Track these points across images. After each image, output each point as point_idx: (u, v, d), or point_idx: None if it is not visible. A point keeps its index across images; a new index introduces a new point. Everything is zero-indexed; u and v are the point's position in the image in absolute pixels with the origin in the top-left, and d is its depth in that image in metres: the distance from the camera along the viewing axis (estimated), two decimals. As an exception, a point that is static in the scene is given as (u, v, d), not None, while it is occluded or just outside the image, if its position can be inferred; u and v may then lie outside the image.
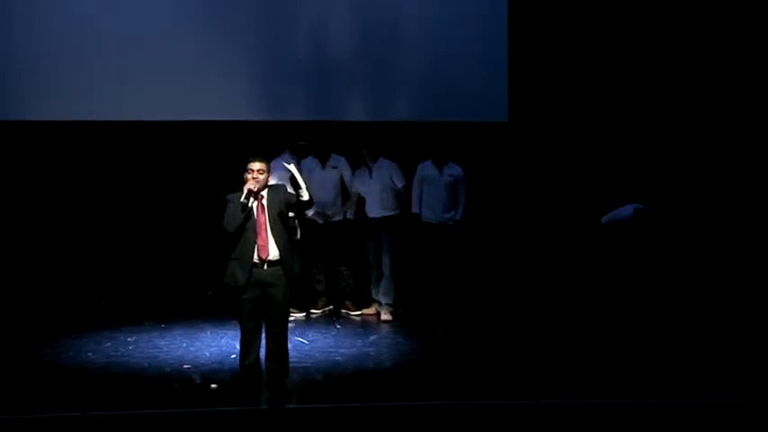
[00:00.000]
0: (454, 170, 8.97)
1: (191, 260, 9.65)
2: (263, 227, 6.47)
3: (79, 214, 9.67)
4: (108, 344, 7.88)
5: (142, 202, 9.68)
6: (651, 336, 8.13)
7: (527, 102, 9.88)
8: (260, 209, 6.49)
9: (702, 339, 8.06)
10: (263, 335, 6.62)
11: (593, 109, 9.95)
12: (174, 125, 9.53)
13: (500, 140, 9.89)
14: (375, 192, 8.96)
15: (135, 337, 8.11)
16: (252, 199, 6.45)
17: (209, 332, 8.26)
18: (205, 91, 9.50)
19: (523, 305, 9.24)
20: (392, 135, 9.67)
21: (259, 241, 6.44)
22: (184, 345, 7.86)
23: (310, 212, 8.75)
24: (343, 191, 9.09)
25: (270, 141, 9.17)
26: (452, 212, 8.91)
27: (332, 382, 7.04)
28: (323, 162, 9.00)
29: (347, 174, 9.07)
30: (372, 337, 8.14)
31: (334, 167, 9.03)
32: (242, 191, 6.45)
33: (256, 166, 6.47)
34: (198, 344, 7.86)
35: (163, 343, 8.03)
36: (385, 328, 8.44)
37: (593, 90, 9.98)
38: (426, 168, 8.95)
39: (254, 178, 6.43)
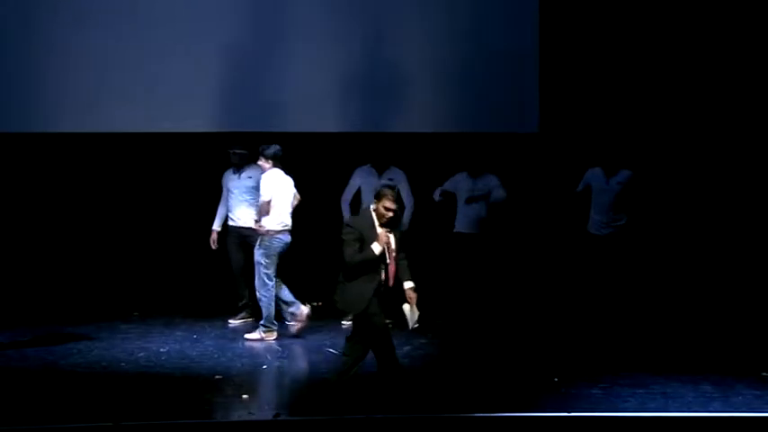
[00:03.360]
0: (489, 180, 8.97)
1: (223, 272, 9.54)
2: (392, 257, 6.51)
3: (108, 225, 9.76)
4: (140, 354, 7.89)
5: (178, 214, 9.76)
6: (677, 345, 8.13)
7: (557, 113, 9.87)
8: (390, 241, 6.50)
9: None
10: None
11: (624, 119, 9.89)
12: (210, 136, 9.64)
13: (530, 151, 9.86)
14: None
15: (167, 348, 8.11)
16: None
17: (240, 343, 8.25)
18: (237, 103, 9.61)
19: (556, 315, 9.18)
20: (422, 146, 9.73)
21: (390, 269, 6.52)
22: (216, 355, 7.84)
23: None
24: (399, 203, 9.02)
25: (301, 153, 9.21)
26: (480, 224, 8.91)
27: (363, 393, 6.91)
28: (379, 172, 8.98)
29: (404, 186, 8.99)
30: (406, 349, 8.02)
31: (390, 179, 8.93)
32: (366, 223, 6.44)
33: (392, 204, 6.43)
34: (229, 354, 7.85)
35: (194, 354, 8.03)
36: (418, 340, 8.33)
37: (623, 101, 9.93)
38: (461, 179, 8.97)
39: (390, 218, 6.39)
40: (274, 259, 8.35)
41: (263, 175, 8.48)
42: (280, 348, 7.99)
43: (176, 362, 7.75)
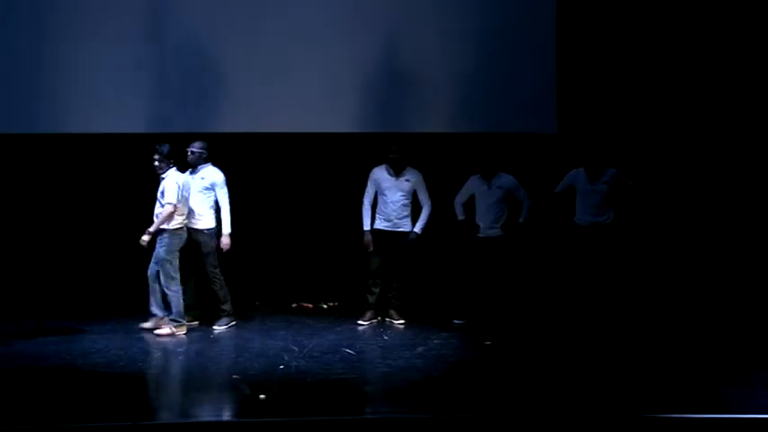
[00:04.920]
0: (503, 181, 8.96)
1: (238, 272, 9.62)
2: None
3: (125, 224, 9.55)
4: (158, 354, 7.92)
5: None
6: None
7: (576, 113, 9.88)
8: None
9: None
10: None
11: (642, 121, 9.90)
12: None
13: (549, 152, 9.87)
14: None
15: (184, 348, 8.14)
16: None
17: (257, 342, 8.26)
18: (258, 104, 9.61)
19: (574, 315, 9.13)
20: (439, 147, 9.74)
21: None
22: (233, 355, 7.88)
23: (382, 224, 8.97)
24: (415, 203, 9.07)
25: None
26: (502, 223, 8.92)
27: (379, 393, 7.07)
28: (397, 172, 8.98)
29: (421, 189, 9.01)
30: (420, 349, 8.09)
31: (407, 180, 8.99)
32: None
33: None
34: (246, 354, 7.85)
35: (212, 354, 8.07)
36: (433, 340, 8.39)
37: (641, 102, 9.93)
38: (474, 182, 8.98)
39: None
40: (176, 254, 8.47)
41: (167, 178, 8.53)
42: (296, 348, 8.00)
43: (193, 361, 7.78)
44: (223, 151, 9.35)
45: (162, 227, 8.42)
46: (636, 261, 9.49)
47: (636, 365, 7.63)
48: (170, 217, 8.40)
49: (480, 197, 8.95)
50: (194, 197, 8.69)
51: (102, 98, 9.49)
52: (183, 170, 8.72)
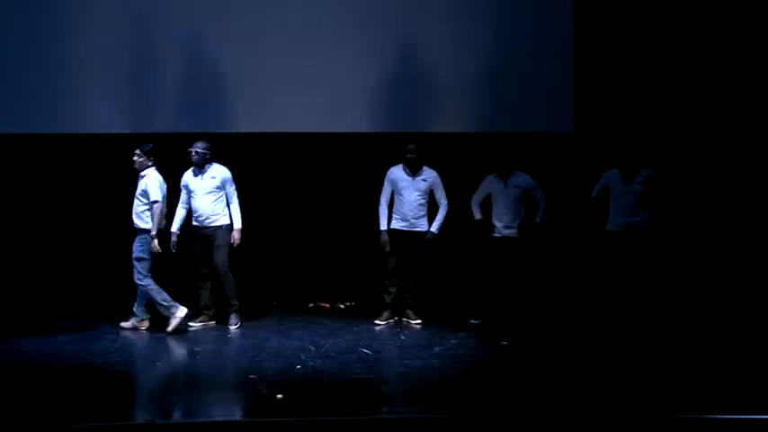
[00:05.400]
0: (520, 180, 8.96)
1: (256, 272, 9.73)
2: None
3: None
4: (175, 354, 7.96)
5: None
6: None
7: (592, 113, 9.87)
8: None
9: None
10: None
11: (660, 120, 9.88)
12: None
13: (565, 152, 9.88)
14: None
15: (201, 347, 8.16)
16: None
17: (274, 342, 8.27)
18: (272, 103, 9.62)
19: (589, 315, 9.16)
20: (455, 146, 9.75)
21: None
22: (250, 355, 7.86)
23: (398, 224, 8.99)
24: (431, 203, 9.07)
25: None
26: (517, 222, 8.91)
27: (396, 393, 7.04)
28: (414, 172, 8.99)
29: (438, 188, 9.02)
30: (437, 349, 8.08)
31: (424, 180, 9.00)
32: None
33: None
34: (263, 354, 7.85)
35: (229, 353, 8.10)
36: (450, 340, 8.39)
37: (658, 101, 9.90)
38: (491, 181, 8.99)
39: None
40: (151, 255, 8.54)
41: (148, 176, 8.57)
42: (313, 348, 8.01)
43: (211, 361, 7.80)
44: (242, 151, 9.43)
45: (142, 226, 8.50)
46: (667, 265, 9.40)
47: (656, 367, 7.59)
48: (161, 215, 8.50)
49: (497, 196, 8.96)
50: (205, 196, 8.73)
51: (107, 99, 9.56)
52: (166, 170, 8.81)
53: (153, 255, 8.51)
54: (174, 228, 8.79)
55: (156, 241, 8.46)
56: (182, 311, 8.48)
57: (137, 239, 8.54)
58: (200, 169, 8.78)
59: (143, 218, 8.52)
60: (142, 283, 8.51)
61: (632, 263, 8.76)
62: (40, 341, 8.23)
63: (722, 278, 9.67)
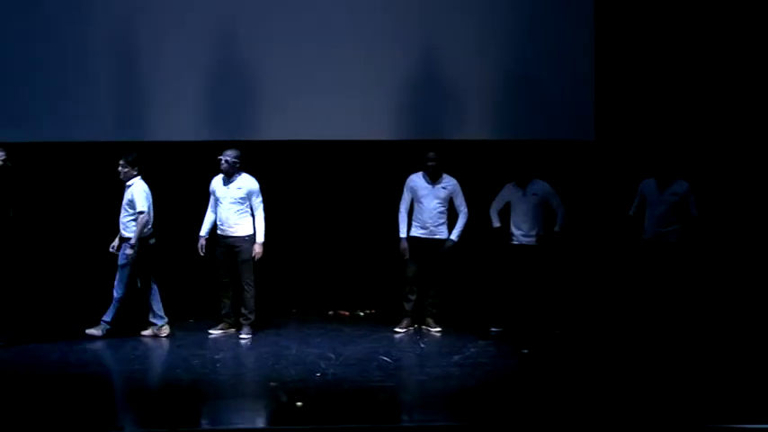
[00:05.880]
0: (538, 188, 8.96)
1: (276, 279, 9.72)
2: None
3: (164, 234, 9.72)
4: (195, 361, 7.94)
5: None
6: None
7: (613, 120, 9.85)
8: None
9: None
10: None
11: (681, 127, 9.83)
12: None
13: (586, 159, 9.86)
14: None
15: (222, 355, 8.17)
16: None
17: (294, 350, 8.29)
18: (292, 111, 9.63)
19: (609, 323, 9.16)
20: (475, 154, 9.74)
21: None
22: (270, 362, 7.89)
23: (418, 232, 9.00)
24: (451, 210, 9.07)
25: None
26: (536, 231, 8.90)
27: (416, 401, 7.06)
28: (434, 180, 8.99)
29: (458, 196, 9.01)
30: (457, 357, 8.09)
31: (444, 188, 9.00)
32: None
33: None
34: (284, 362, 7.87)
35: (249, 361, 8.14)
36: (470, 348, 8.39)
37: (680, 108, 9.86)
38: (510, 190, 9.00)
39: None
40: (133, 262, 8.62)
41: (134, 186, 8.61)
42: (333, 356, 8.02)
43: (231, 369, 7.83)
44: (261, 159, 9.40)
45: (128, 235, 8.56)
46: (695, 279, 9.33)
47: (676, 378, 7.57)
48: (145, 225, 8.56)
49: (515, 204, 8.97)
50: (229, 206, 8.73)
51: (137, 108, 9.62)
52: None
53: (133, 263, 8.58)
54: (203, 232, 8.83)
55: (133, 250, 8.52)
56: (98, 331, 8.58)
57: (122, 246, 8.60)
58: (228, 178, 8.76)
59: (129, 227, 8.58)
60: (117, 293, 8.59)
61: (660, 274, 8.73)
62: (64, 348, 8.28)
63: (748, 291, 9.60)
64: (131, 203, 8.55)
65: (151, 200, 8.67)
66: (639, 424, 6.38)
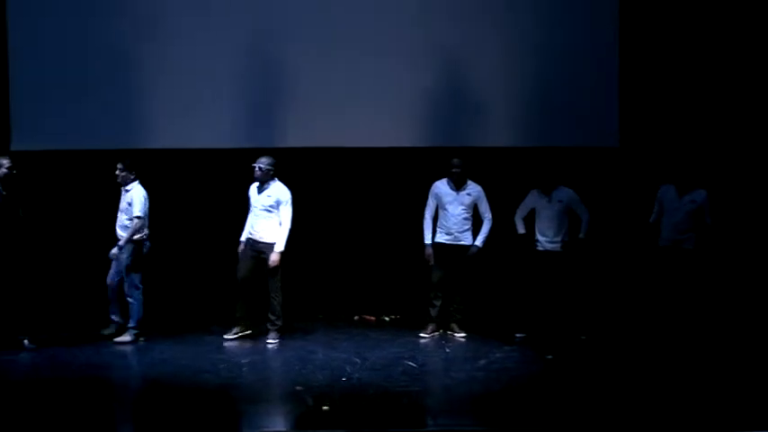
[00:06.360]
0: (563, 194, 8.94)
1: (302, 285, 9.76)
2: None
3: (191, 240, 9.90)
4: (222, 366, 7.98)
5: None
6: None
7: (638, 127, 9.84)
8: None
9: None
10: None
11: (704, 134, 9.80)
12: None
13: (611, 166, 9.87)
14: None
15: (249, 359, 8.21)
16: None
17: (320, 354, 8.33)
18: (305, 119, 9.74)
19: (633, 329, 9.12)
20: (500, 161, 9.77)
21: None
22: (296, 367, 7.92)
23: (443, 238, 9.01)
24: (476, 217, 9.09)
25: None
26: (561, 237, 8.89)
27: (441, 406, 7.09)
28: (458, 186, 9.00)
29: (483, 202, 9.03)
30: (482, 362, 8.10)
31: (468, 194, 9.02)
32: None
33: None
34: (310, 366, 7.91)
35: (276, 365, 8.19)
36: (495, 354, 8.41)
37: (705, 115, 9.83)
38: (534, 196, 8.99)
39: None
40: (140, 264, 8.72)
41: (134, 191, 8.67)
42: (359, 360, 8.06)
43: (258, 373, 7.86)
44: (291, 166, 9.42)
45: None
46: (710, 286, 9.28)
47: (695, 384, 7.54)
48: (139, 230, 8.64)
49: (540, 211, 8.96)
50: (260, 212, 8.77)
51: (177, 115, 9.73)
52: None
53: (140, 264, 8.69)
54: (243, 237, 8.90)
55: (119, 250, 8.61)
56: (127, 337, 8.71)
57: (123, 250, 8.67)
58: (261, 185, 8.80)
59: (132, 235, 8.69)
60: (132, 299, 8.69)
61: (677, 281, 8.71)
62: (90, 351, 8.38)
63: (763, 297, 9.56)
64: (130, 206, 8.65)
65: (148, 205, 8.74)
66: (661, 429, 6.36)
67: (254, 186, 8.86)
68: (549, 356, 8.29)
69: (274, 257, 8.71)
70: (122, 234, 8.69)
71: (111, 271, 8.77)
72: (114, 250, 8.61)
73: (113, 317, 8.85)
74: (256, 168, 8.74)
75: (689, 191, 8.75)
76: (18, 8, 9.69)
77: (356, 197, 10.05)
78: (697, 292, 8.77)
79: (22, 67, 9.69)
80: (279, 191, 8.78)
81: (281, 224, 8.78)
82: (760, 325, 9.26)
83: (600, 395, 7.21)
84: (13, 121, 9.71)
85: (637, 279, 9.48)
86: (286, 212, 8.75)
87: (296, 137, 9.75)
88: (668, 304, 8.71)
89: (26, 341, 8.33)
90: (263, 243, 8.78)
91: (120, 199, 8.80)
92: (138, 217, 8.62)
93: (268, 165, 8.75)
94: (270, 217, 8.75)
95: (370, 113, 9.67)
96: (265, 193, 8.77)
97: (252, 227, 8.82)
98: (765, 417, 6.52)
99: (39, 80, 9.67)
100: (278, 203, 8.74)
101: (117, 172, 8.71)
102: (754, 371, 7.87)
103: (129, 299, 8.71)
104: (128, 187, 8.71)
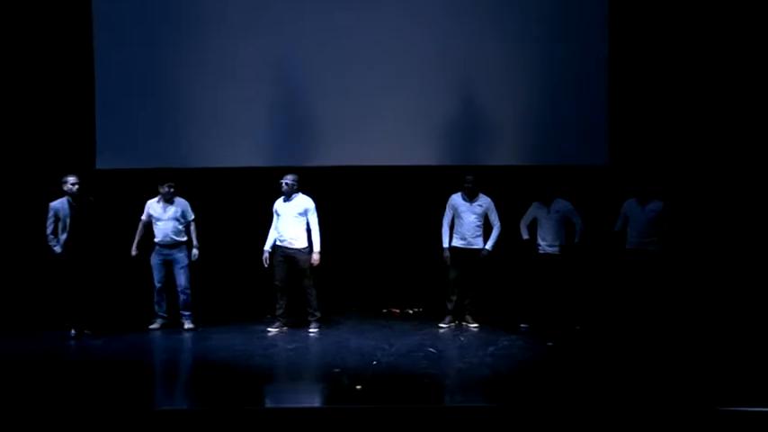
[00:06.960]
0: (561, 206, 9.24)
1: (339, 282, 10.22)
2: None
3: (235, 241, 10.22)
4: (272, 350, 8.32)
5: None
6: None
7: (624, 149, 9.90)
8: None
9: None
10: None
11: (694, 152, 9.85)
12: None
13: (601, 181, 9.96)
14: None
15: (294, 345, 8.54)
16: None
17: (354, 342, 8.63)
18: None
19: (618, 320, 9.27)
20: (506, 177, 9.94)
21: None
22: (333, 352, 8.19)
23: (458, 242, 9.31)
24: (487, 224, 9.32)
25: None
26: (559, 242, 9.20)
27: (456, 386, 7.29)
28: (471, 198, 9.32)
29: (492, 212, 9.28)
30: (491, 349, 8.28)
31: (480, 205, 9.30)
32: None
33: None
34: (345, 352, 8.19)
35: (317, 351, 8.48)
36: (503, 341, 8.57)
37: (693, 133, 9.84)
38: (536, 207, 9.33)
39: None
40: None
41: (179, 200, 9.28)
42: (386, 347, 8.25)
43: (301, 357, 8.18)
44: (325, 182, 9.77)
45: (180, 239, 9.27)
46: (675, 284, 9.39)
47: (673, 362, 7.72)
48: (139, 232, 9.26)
49: (541, 220, 9.30)
50: (290, 220, 9.13)
51: (215, 136, 9.99)
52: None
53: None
54: (267, 246, 9.19)
55: (197, 251, 9.29)
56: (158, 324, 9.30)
57: (180, 249, 9.33)
58: (287, 198, 9.23)
59: (181, 234, 9.31)
60: (189, 291, 9.35)
61: (643, 280, 8.92)
62: (147, 338, 8.86)
63: (727, 294, 9.66)
64: (184, 214, 9.33)
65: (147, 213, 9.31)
66: (648, 404, 6.48)
67: (279, 200, 9.22)
68: (550, 343, 8.52)
69: (316, 257, 9.11)
70: (176, 238, 9.30)
71: (162, 273, 9.32)
72: (195, 251, 9.24)
73: (160, 312, 9.44)
74: (283, 184, 9.17)
75: (648, 201, 8.99)
76: (104, 37, 9.83)
77: (384, 208, 10.32)
78: (662, 288, 9.00)
79: (107, 93, 9.84)
80: (304, 201, 9.20)
81: (307, 230, 9.13)
82: (718, 312, 9.46)
83: (593, 375, 7.38)
84: (98, 142, 9.93)
85: (615, 278, 9.54)
86: (314, 218, 9.17)
87: (330, 156, 9.98)
88: (636, 299, 8.93)
89: (73, 331, 8.88)
90: (292, 249, 9.12)
91: (161, 211, 9.31)
92: (193, 219, 9.28)
93: (293, 180, 9.19)
94: (299, 224, 9.12)
95: (394, 136, 9.89)
96: (293, 203, 9.15)
97: (281, 234, 9.13)
98: (739, 392, 6.70)
99: (122, 106, 9.85)
100: (306, 211, 9.14)
101: (168, 189, 9.29)
102: (719, 350, 8.06)
103: (185, 293, 9.23)
104: (173, 200, 9.37)
